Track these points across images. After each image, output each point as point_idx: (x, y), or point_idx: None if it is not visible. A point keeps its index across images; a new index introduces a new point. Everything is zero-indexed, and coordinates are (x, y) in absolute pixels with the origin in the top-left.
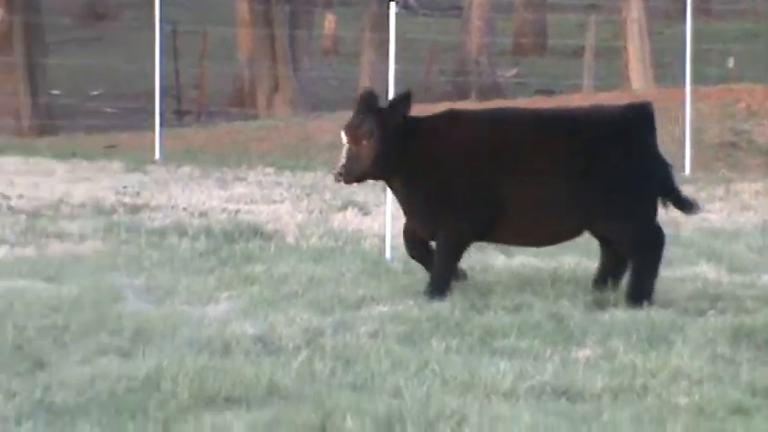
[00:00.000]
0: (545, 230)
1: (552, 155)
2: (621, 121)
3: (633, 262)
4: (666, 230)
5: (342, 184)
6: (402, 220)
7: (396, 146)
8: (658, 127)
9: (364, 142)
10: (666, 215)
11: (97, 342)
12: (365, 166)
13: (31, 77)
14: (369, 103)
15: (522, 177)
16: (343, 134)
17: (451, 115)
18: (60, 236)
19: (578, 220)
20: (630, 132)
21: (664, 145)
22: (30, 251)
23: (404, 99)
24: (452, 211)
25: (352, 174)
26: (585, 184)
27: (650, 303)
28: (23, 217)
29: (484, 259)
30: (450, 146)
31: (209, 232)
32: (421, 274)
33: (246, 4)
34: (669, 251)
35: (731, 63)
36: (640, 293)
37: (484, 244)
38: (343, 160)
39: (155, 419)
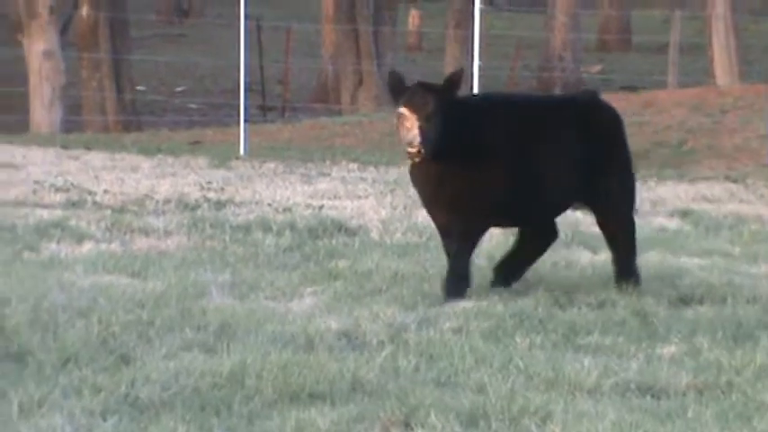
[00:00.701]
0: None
1: (549, 139)
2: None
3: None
4: (752, 227)
5: (416, 160)
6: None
7: (454, 124)
8: (744, 123)
9: (433, 119)
10: (752, 210)
11: (182, 337)
12: (437, 142)
13: (116, 74)
14: (403, 82)
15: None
16: (406, 111)
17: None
18: (145, 231)
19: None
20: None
21: (749, 141)
22: (115, 246)
23: (457, 76)
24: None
25: (429, 150)
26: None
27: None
28: (109, 212)
29: (568, 255)
30: (496, 130)
31: (293, 228)
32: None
33: (331, 0)
34: (755, 247)
35: None
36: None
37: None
38: (418, 138)
39: (239, 415)
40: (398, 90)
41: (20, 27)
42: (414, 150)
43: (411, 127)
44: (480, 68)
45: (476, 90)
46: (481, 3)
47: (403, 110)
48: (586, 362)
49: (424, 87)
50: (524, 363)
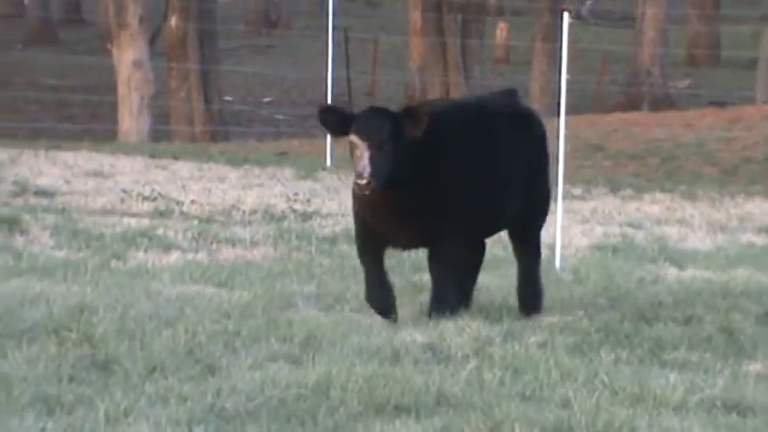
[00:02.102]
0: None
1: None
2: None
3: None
4: None
5: (366, 192)
6: (572, 230)
7: (413, 149)
8: None
9: (385, 147)
10: None
11: (267, 348)
12: (390, 172)
13: (204, 84)
14: (341, 111)
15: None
16: (358, 139)
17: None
18: (232, 242)
19: None
20: None
21: None
22: (201, 256)
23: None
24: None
25: (381, 180)
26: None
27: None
28: (196, 222)
29: (654, 271)
30: (462, 143)
31: None
32: (591, 285)
33: (419, 13)
34: None
35: None
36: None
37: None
38: (368, 168)
39: (324, 427)
40: (341, 120)
41: (109, 37)
42: (362, 182)
43: (361, 156)
44: (568, 82)
45: (563, 105)
46: (569, 17)
47: (353, 137)
48: (672, 378)
49: (378, 112)
50: (609, 378)
